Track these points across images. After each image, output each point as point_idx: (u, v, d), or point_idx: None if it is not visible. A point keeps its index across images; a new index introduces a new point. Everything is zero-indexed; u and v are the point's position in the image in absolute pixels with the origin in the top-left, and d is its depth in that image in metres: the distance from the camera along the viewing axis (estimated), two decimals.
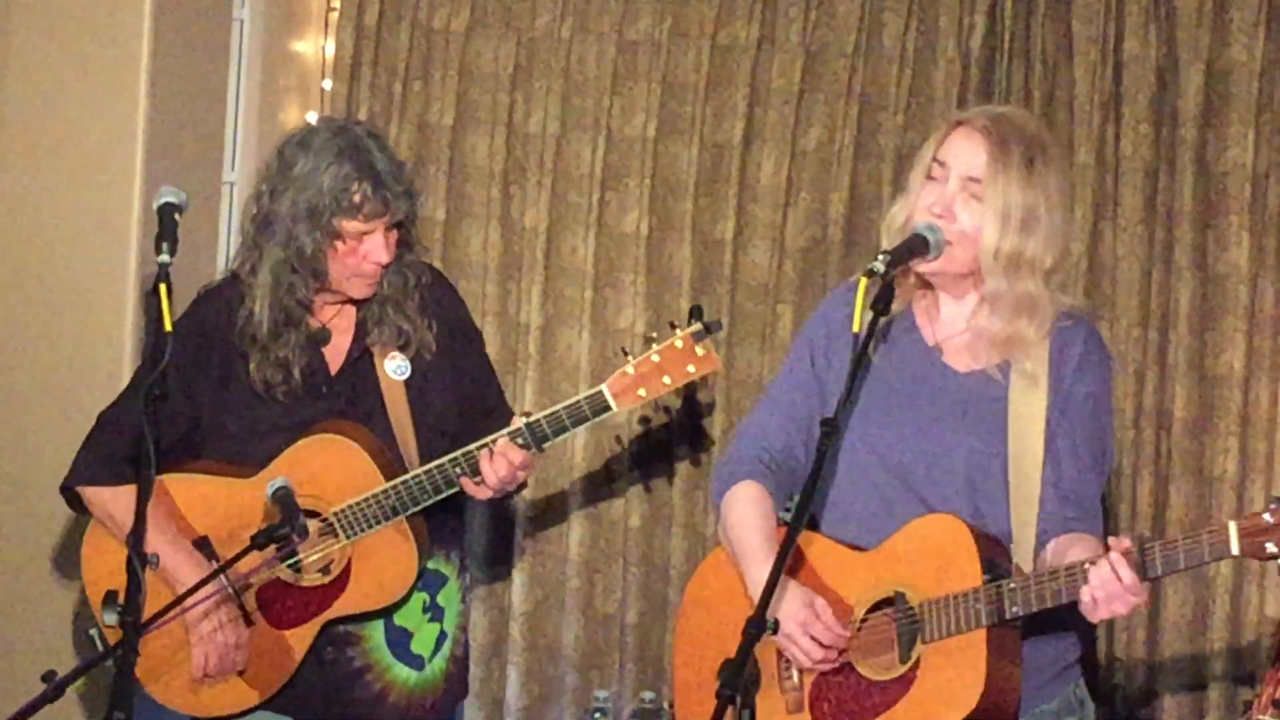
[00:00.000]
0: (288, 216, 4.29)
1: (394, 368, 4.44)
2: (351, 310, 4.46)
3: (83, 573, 4.51)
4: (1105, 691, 5.47)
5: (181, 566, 4.32)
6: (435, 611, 4.51)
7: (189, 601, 4.06)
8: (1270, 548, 3.36)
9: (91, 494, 4.45)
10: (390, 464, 4.36)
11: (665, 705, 5.56)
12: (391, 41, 5.96)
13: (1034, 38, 5.61)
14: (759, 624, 3.40)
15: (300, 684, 4.39)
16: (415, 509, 4.32)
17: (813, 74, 5.73)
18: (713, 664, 3.94)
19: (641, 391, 4.27)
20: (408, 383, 4.44)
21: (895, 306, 3.85)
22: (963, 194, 3.77)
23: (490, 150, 5.90)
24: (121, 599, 3.99)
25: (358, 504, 4.31)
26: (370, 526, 4.30)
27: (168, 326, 3.75)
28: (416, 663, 4.46)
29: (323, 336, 4.43)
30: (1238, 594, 5.39)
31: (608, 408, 4.29)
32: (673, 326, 4.28)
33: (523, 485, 4.45)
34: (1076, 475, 3.77)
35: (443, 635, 4.51)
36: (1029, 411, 3.77)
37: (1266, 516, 3.36)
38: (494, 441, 4.27)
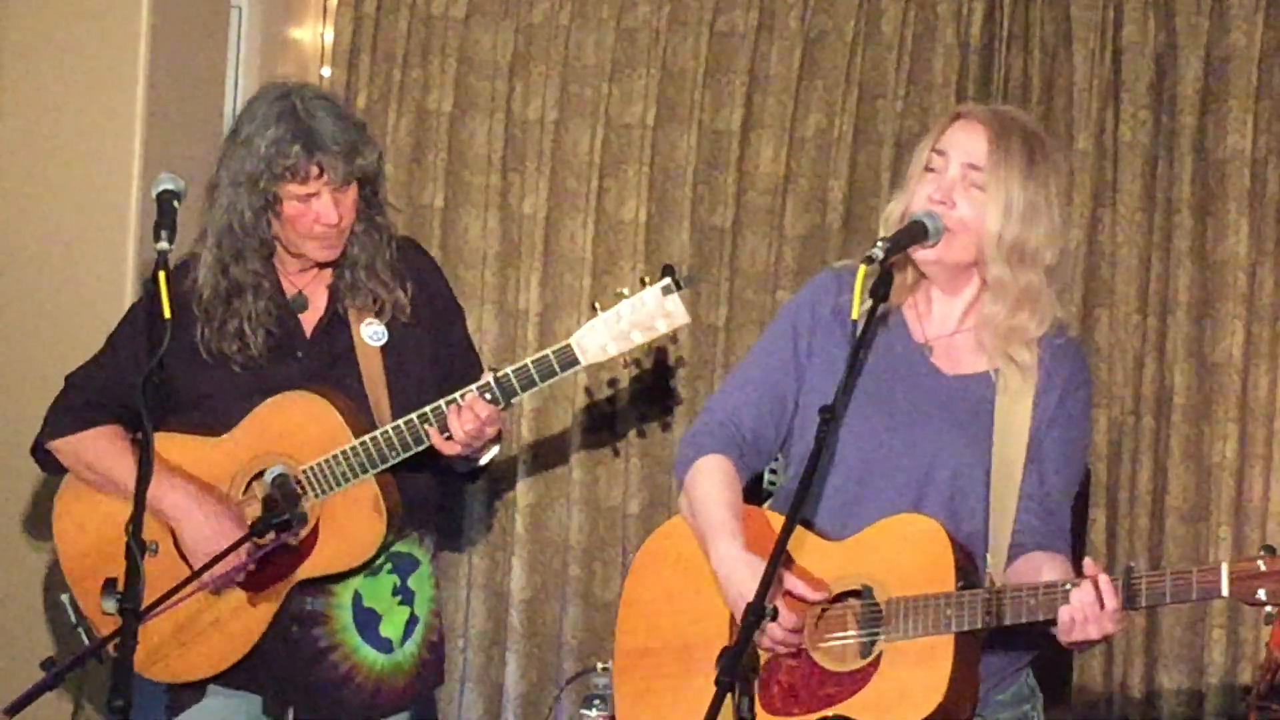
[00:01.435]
0: (230, 184, 4.28)
1: (371, 333, 4.41)
2: (326, 275, 4.43)
3: (55, 537, 4.48)
4: (1103, 679, 5.48)
5: (169, 494, 4.30)
6: (406, 595, 4.47)
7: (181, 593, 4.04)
8: (1261, 594, 3.36)
9: (62, 445, 4.43)
10: (362, 426, 4.31)
11: None
12: (390, 28, 5.96)
13: (1033, 25, 5.61)
14: (758, 610, 3.39)
15: (265, 661, 4.36)
16: (384, 466, 4.28)
17: (812, 61, 5.73)
18: (658, 629, 3.93)
19: (610, 347, 4.22)
20: (384, 349, 4.41)
21: (887, 305, 3.84)
22: (963, 182, 3.76)
23: (489, 137, 5.90)
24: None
25: (326, 461, 4.28)
26: (339, 484, 4.26)
27: (166, 314, 3.75)
28: (385, 646, 4.43)
29: (299, 303, 4.41)
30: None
31: (575, 361, 4.23)
32: (643, 282, 4.21)
33: (496, 440, 4.37)
34: (1056, 492, 3.76)
35: (414, 619, 4.47)
36: (1014, 422, 3.76)
37: (1260, 564, 3.36)
38: (461, 396, 4.24)
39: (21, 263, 5.41)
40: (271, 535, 4.14)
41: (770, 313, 5.70)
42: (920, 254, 3.78)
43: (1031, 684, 3.89)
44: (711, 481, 3.89)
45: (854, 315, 3.57)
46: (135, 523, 3.62)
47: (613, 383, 5.70)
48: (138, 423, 4.30)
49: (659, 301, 4.18)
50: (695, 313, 5.72)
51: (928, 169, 3.81)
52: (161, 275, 3.78)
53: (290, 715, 4.39)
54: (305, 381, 4.33)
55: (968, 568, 3.65)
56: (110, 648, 3.59)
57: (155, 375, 3.73)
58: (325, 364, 4.38)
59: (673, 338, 5.13)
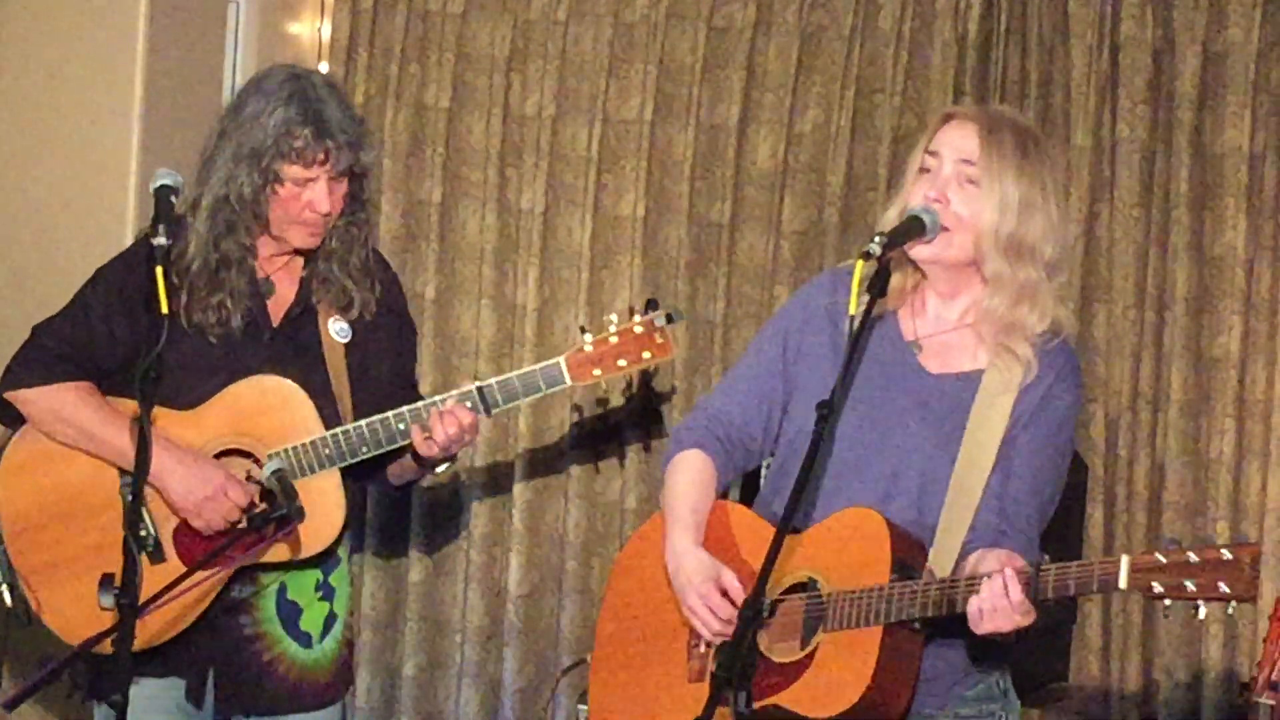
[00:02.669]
0: (231, 157, 4.27)
1: (337, 329, 4.42)
2: (298, 264, 4.43)
3: None
4: (1101, 673, 5.49)
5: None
6: (326, 591, 4.46)
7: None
8: (1157, 587, 3.35)
9: (31, 395, 4.35)
10: (330, 418, 4.32)
11: None
12: (388, 23, 5.96)
13: (1030, 20, 5.62)
14: (755, 606, 3.40)
15: (189, 646, 4.34)
16: (354, 460, 4.29)
17: (809, 56, 5.73)
18: (635, 620, 3.96)
19: (596, 371, 4.29)
20: (348, 346, 4.42)
21: (882, 308, 3.84)
22: (957, 178, 3.75)
23: (486, 132, 5.90)
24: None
25: (295, 449, 4.29)
26: (304, 473, 4.26)
27: (164, 309, 3.74)
28: (305, 640, 4.42)
29: (266, 288, 4.41)
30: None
31: (562, 381, 4.29)
32: (632, 312, 4.30)
33: (453, 456, 4.40)
34: (1020, 492, 3.74)
35: (332, 616, 4.47)
36: (989, 422, 3.75)
37: (1159, 556, 3.35)
38: (443, 401, 4.27)
39: (19, 257, 5.41)
40: (271, 529, 4.14)
41: (768, 307, 5.71)
42: (919, 252, 3.77)
43: (1005, 686, 3.85)
44: (681, 477, 3.98)
45: (851, 310, 3.57)
46: (133, 517, 3.63)
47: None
48: (104, 383, 4.32)
49: (648, 331, 4.29)
50: (693, 307, 5.74)
51: (922, 170, 3.81)
52: (159, 270, 3.77)
53: (210, 701, 4.38)
54: (272, 367, 4.34)
55: (906, 560, 3.64)
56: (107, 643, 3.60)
57: (153, 368, 3.72)
58: (292, 353, 4.38)
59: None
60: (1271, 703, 4.24)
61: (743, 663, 3.38)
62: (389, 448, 4.30)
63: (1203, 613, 3.37)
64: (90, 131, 5.40)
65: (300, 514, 4.11)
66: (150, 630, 4.18)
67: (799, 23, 5.72)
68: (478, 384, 4.30)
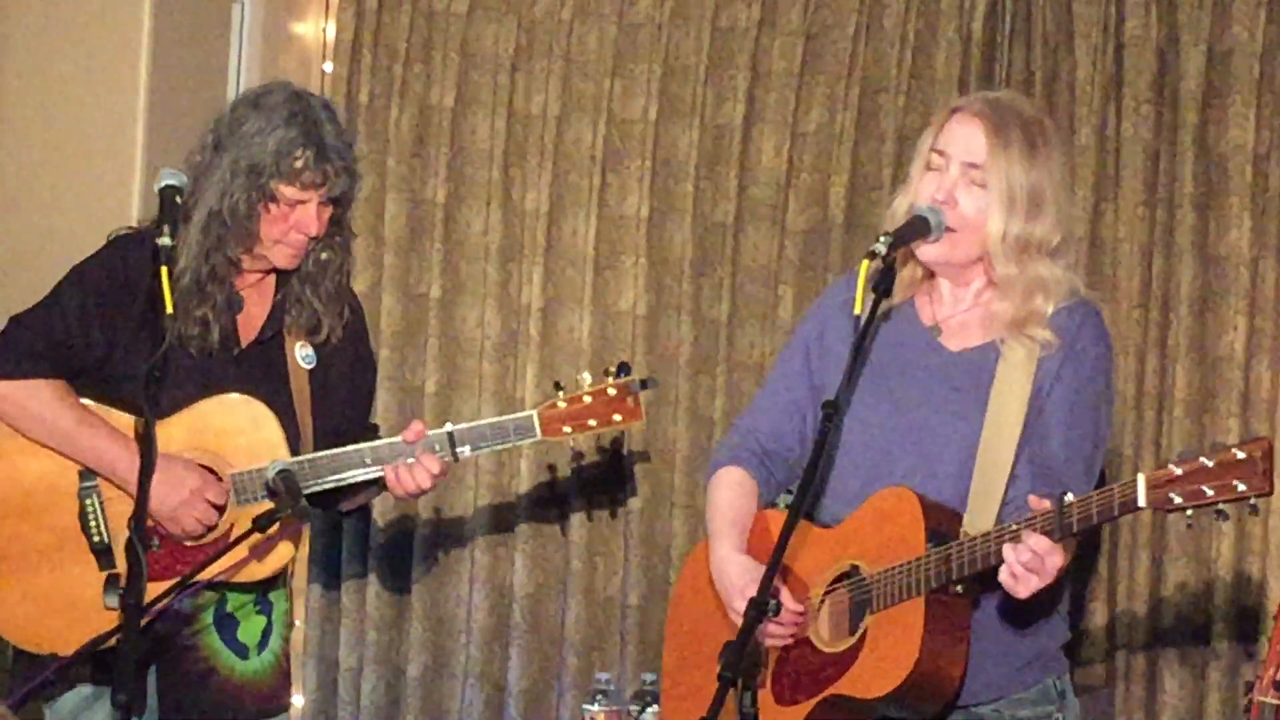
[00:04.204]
0: (227, 171, 4.28)
1: (303, 356, 4.44)
2: (269, 284, 4.43)
3: None
4: (1105, 671, 5.48)
5: (121, 455, 4.25)
6: (264, 605, 4.47)
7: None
8: (1176, 499, 3.35)
9: (4, 388, 4.31)
10: (291, 441, 4.32)
11: None
12: (392, 23, 5.96)
13: (1035, 19, 5.61)
14: (760, 605, 3.41)
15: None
16: (316, 488, 4.29)
17: (813, 56, 5.73)
18: (699, 646, 3.98)
19: (567, 429, 4.35)
20: (311, 373, 4.44)
21: (898, 298, 3.85)
22: (964, 180, 3.75)
23: (491, 132, 5.90)
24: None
25: (258, 470, 4.29)
26: (259, 498, 4.28)
27: (169, 309, 3.74)
28: (242, 651, 4.42)
29: (236, 303, 4.42)
30: (1239, 573, 5.40)
31: (533, 434, 4.35)
32: (606, 374, 4.36)
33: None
34: (1058, 454, 3.74)
35: (269, 629, 4.48)
36: (1013, 382, 3.75)
37: (1173, 468, 3.37)
38: (412, 453, 4.28)
39: (24, 255, 5.42)
40: (275, 528, 4.14)
41: (773, 307, 5.71)
42: (924, 252, 3.77)
43: (1062, 686, 3.85)
44: (719, 493, 4.01)
45: (856, 310, 3.58)
46: (138, 517, 3.62)
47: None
48: (82, 382, 4.30)
49: (621, 395, 4.35)
50: (697, 307, 5.74)
51: (929, 168, 3.81)
52: (164, 271, 3.77)
53: (151, 707, 4.34)
54: (240, 386, 4.34)
55: (940, 529, 3.66)
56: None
57: (156, 370, 3.71)
58: (260, 373, 4.39)
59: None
60: (1276, 702, 4.23)
61: (747, 662, 3.39)
62: (349, 481, 4.30)
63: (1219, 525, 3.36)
64: (95, 131, 5.40)
65: (305, 514, 4.12)
66: (82, 632, 4.09)
67: (803, 22, 5.72)
68: (449, 429, 4.33)
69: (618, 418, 4.36)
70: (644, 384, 4.39)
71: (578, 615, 5.78)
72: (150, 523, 4.20)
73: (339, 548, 5.92)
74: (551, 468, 5.81)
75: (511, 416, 4.37)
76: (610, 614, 5.79)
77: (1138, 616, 5.50)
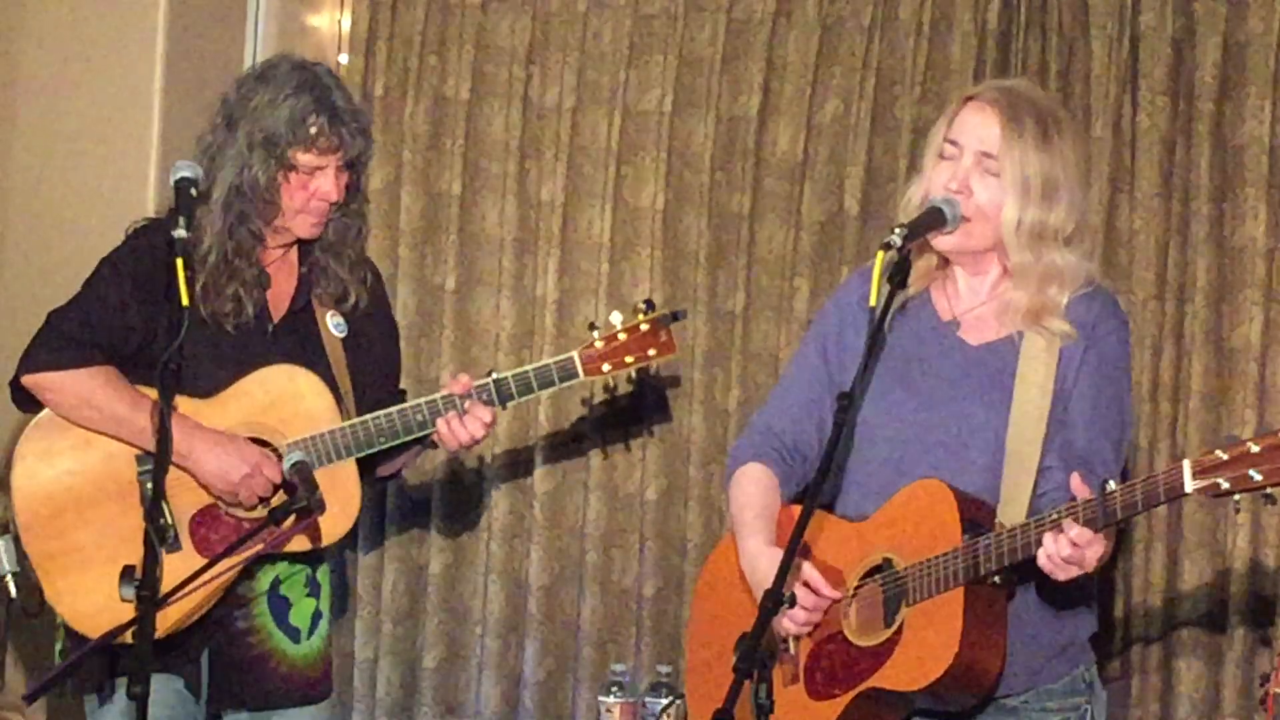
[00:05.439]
0: (244, 145, 4.32)
1: (335, 324, 4.49)
2: (293, 257, 4.48)
3: (12, 477, 4.40)
4: (1120, 663, 5.48)
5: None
6: (313, 587, 4.51)
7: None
8: (1223, 484, 3.34)
9: (56, 379, 4.33)
10: (342, 409, 4.40)
11: (682, 679, 5.57)
12: (408, 15, 5.96)
13: (1050, 10, 5.60)
14: (776, 597, 3.41)
15: (189, 641, 4.36)
16: (370, 451, 4.36)
17: (829, 47, 5.72)
18: (724, 643, 3.97)
19: (606, 366, 4.46)
20: (345, 342, 4.47)
21: (914, 288, 3.86)
22: (978, 169, 3.76)
23: (506, 124, 5.90)
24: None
25: (314, 438, 4.32)
26: (322, 463, 4.30)
27: (184, 301, 3.75)
28: (294, 634, 4.47)
29: (264, 280, 4.43)
30: (1255, 565, 5.39)
31: (575, 375, 4.45)
32: (636, 310, 4.47)
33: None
34: (1088, 441, 3.74)
35: (318, 614, 4.52)
36: (1035, 372, 3.76)
37: (1220, 453, 3.35)
38: (462, 401, 4.37)
39: (40, 248, 5.43)
40: (290, 521, 4.15)
41: (788, 299, 5.70)
42: (940, 242, 3.78)
43: (1090, 677, 3.87)
44: (742, 489, 4.02)
45: (871, 302, 3.58)
46: (153, 510, 3.63)
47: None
48: (124, 369, 4.34)
49: (654, 329, 4.47)
50: (713, 299, 5.74)
51: (942, 157, 3.81)
52: (180, 263, 3.78)
53: (205, 694, 4.40)
54: (280, 359, 4.37)
55: (975, 520, 3.67)
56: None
57: (174, 359, 3.72)
58: (296, 346, 4.43)
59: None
60: None
61: (762, 654, 3.39)
62: (405, 439, 4.36)
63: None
64: (111, 123, 5.41)
65: (321, 506, 4.12)
66: (167, 622, 4.17)
67: (819, 14, 5.71)
68: (494, 377, 4.36)
69: (653, 352, 4.49)
70: (674, 316, 4.50)
71: (593, 607, 5.79)
72: (209, 499, 4.32)
73: (354, 540, 5.92)
74: (564, 457, 5.81)
75: (553, 359, 4.46)
76: (626, 606, 5.79)
77: (1153, 608, 5.49)
